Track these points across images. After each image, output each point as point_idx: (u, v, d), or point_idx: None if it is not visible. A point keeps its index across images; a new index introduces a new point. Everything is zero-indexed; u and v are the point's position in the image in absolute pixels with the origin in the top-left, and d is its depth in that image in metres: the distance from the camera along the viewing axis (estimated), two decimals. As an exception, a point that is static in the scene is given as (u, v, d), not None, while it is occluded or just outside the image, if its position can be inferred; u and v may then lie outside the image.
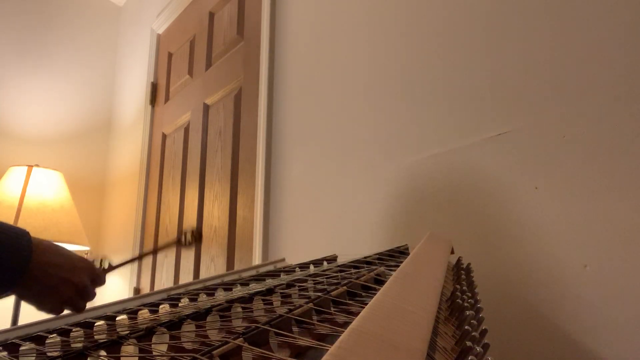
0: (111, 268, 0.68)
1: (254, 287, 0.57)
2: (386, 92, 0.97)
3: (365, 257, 0.64)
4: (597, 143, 0.64)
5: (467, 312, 0.33)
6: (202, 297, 0.58)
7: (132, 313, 0.53)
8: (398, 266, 0.50)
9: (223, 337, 0.29)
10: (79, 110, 2.29)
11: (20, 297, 0.56)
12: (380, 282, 0.46)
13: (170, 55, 2.01)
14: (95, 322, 0.49)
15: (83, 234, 1.85)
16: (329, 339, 0.31)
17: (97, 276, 0.62)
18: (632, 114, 0.61)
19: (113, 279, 2.06)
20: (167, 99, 1.96)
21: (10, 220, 1.64)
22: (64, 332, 0.46)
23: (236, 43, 1.56)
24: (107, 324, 0.48)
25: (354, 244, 0.97)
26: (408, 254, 0.68)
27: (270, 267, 0.80)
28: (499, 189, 0.74)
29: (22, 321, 1.88)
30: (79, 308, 0.59)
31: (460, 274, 0.53)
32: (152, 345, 0.36)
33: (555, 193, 0.67)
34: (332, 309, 0.37)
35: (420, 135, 0.88)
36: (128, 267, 1.95)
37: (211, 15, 1.76)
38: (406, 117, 0.92)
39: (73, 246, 1.94)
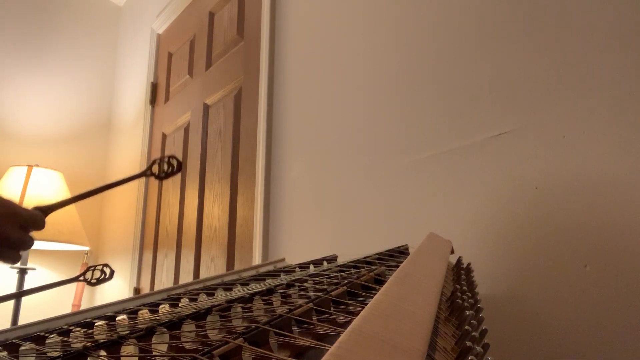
0: (52, 207, 0.58)
1: (254, 287, 0.57)
2: (386, 92, 0.97)
3: (365, 257, 0.64)
4: (596, 143, 0.64)
5: (467, 312, 0.33)
6: (202, 297, 0.58)
7: (132, 313, 0.53)
8: (398, 266, 0.50)
9: (223, 337, 0.29)
10: (79, 110, 2.29)
11: None
12: (380, 282, 0.46)
13: (170, 55, 2.01)
14: (95, 322, 0.49)
15: (83, 234, 1.85)
16: (329, 339, 0.31)
17: (27, 220, 0.54)
18: (632, 114, 0.61)
19: (113, 279, 2.05)
20: (167, 99, 1.96)
21: (10, 220, 1.64)
22: (64, 332, 0.46)
23: (236, 43, 1.56)
24: (107, 324, 0.48)
25: (354, 244, 0.97)
26: (408, 254, 0.68)
27: (270, 267, 0.80)
28: (499, 189, 0.74)
29: (22, 321, 1.88)
30: (10, 260, 0.53)
31: (460, 274, 0.53)
32: (152, 345, 0.36)
33: (555, 193, 0.67)
34: (332, 309, 0.37)
35: (420, 135, 0.88)
36: (128, 266, 1.95)
37: (211, 15, 1.76)
38: (406, 117, 0.92)
39: (73, 246, 1.94)
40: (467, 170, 0.79)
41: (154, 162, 0.69)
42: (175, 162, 0.69)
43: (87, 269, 0.68)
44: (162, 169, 0.69)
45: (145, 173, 0.68)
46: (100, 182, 2.32)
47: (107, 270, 0.68)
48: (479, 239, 0.75)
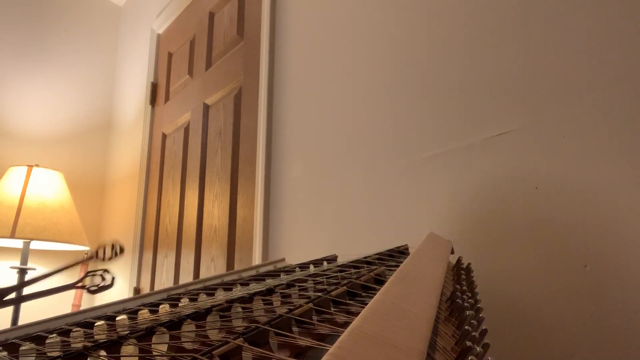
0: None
1: (254, 287, 0.57)
2: (386, 92, 0.97)
3: (365, 257, 0.64)
4: (596, 143, 0.64)
5: (467, 312, 0.33)
6: (202, 297, 0.58)
7: (132, 313, 0.53)
8: (398, 266, 0.50)
9: (223, 337, 0.29)
10: (79, 110, 2.29)
11: None
12: (380, 282, 0.46)
13: (170, 55, 2.01)
14: (95, 322, 0.49)
15: (83, 234, 1.85)
16: (329, 339, 0.31)
17: None
18: (633, 114, 0.61)
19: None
20: (167, 99, 1.96)
21: (10, 220, 1.64)
22: (64, 332, 0.46)
23: (236, 43, 1.56)
24: (107, 324, 0.48)
25: (354, 244, 0.97)
26: (408, 254, 0.68)
27: (270, 267, 0.80)
28: (499, 189, 0.74)
29: (22, 321, 1.88)
30: None
31: (460, 274, 0.53)
32: (152, 345, 0.36)
33: (555, 193, 0.67)
34: (332, 309, 0.37)
35: (420, 135, 0.88)
36: (129, 266, 1.95)
37: (211, 15, 1.76)
38: (406, 117, 0.92)
39: (73, 246, 1.94)
40: (467, 170, 0.79)
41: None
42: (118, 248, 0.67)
43: (86, 275, 0.64)
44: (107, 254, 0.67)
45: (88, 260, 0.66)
46: (100, 182, 2.32)
47: (108, 277, 0.64)
48: (479, 239, 0.75)
